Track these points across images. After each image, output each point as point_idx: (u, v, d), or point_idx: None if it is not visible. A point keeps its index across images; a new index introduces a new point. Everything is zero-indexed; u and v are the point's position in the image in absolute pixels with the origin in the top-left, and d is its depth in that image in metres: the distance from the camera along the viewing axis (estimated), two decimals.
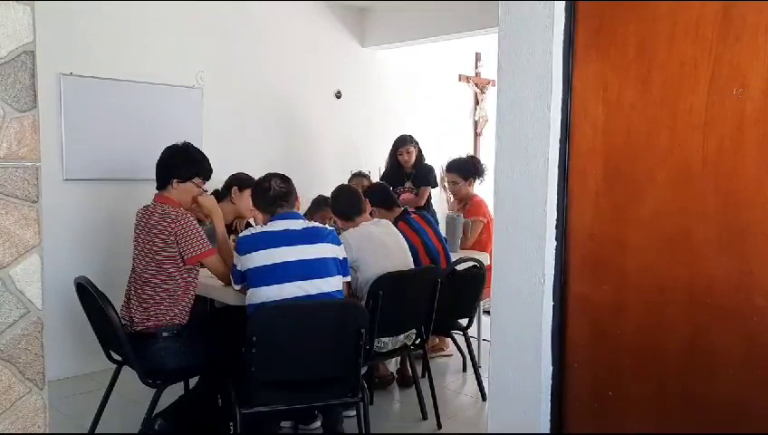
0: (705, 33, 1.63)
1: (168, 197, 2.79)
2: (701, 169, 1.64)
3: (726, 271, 1.61)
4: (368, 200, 3.30)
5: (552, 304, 1.93)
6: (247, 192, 3.47)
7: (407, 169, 4.86)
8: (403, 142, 4.86)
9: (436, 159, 5.30)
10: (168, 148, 2.88)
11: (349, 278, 2.77)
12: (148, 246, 2.69)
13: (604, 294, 1.83)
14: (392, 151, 4.92)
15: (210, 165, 2.94)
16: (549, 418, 1.95)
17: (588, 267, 1.87)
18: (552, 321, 1.93)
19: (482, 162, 4.51)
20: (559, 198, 1.90)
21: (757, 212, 1.57)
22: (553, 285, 1.92)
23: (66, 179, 3.84)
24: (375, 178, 4.92)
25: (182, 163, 2.84)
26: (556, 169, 1.90)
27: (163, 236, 2.65)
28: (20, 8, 1.02)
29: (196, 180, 2.86)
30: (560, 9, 1.85)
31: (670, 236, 1.69)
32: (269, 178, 2.77)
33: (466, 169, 4.35)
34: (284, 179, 2.77)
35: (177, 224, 2.66)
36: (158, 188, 2.84)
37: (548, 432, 1.94)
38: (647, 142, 1.73)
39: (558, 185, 1.90)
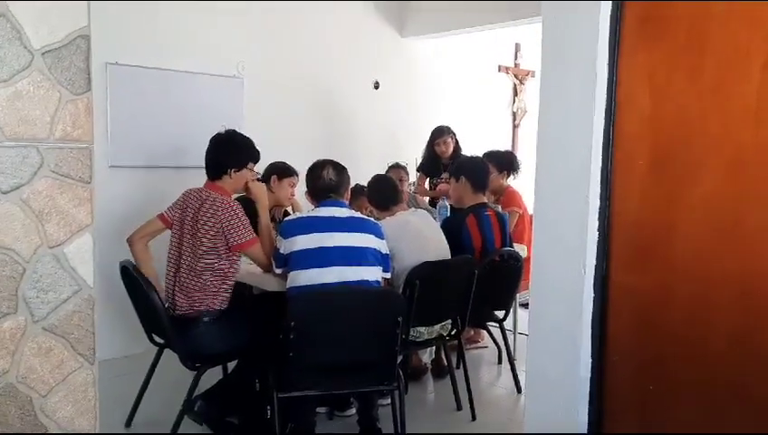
0: (762, 14, 1.57)
1: (220, 186, 2.84)
2: (754, 157, 1.59)
3: None
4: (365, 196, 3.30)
5: (593, 295, 1.90)
6: (286, 181, 3.52)
7: (444, 159, 4.84)
8: (440, 133, 4.84)
9: (474, 151, 5.25)
10: (215, 138, 2.92)
11: (389, 274, 2.77)
12: (194, 232, 2.75)
13: (649, 284, 1.79)
14: (429, 142, 4.90)
15: (257, 149, 2.98)
16: (587, 412, 1.92)
17: (632, 257, 1.83)
18: (593, 313, 1.90)
19: (518, 158, 4.46)
20: (602, 187, 1.87)
21: None
22: (594, 276, 1.89)
23: (111, 166, 3.93)
24: (412, 170, 4.91)
25: (235, 152, 2.89)
26: (600, 156, 1.86)
27: (210, 224, 2.71)
28: None
29: (250, 165, 2.92)
30: None
31: (722, 222, 1.64)
32: (324, 165, 2.80)
33: (502, 161, 4.32)
34: (338, 170, 2.80)
35: (225, 212, 2.71)
36: (211, 178, 2.88)
37: (586, 427, 1.91)
38: (697, 129, 1.68)
39: (601, 173, 1.87)
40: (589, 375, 1.92)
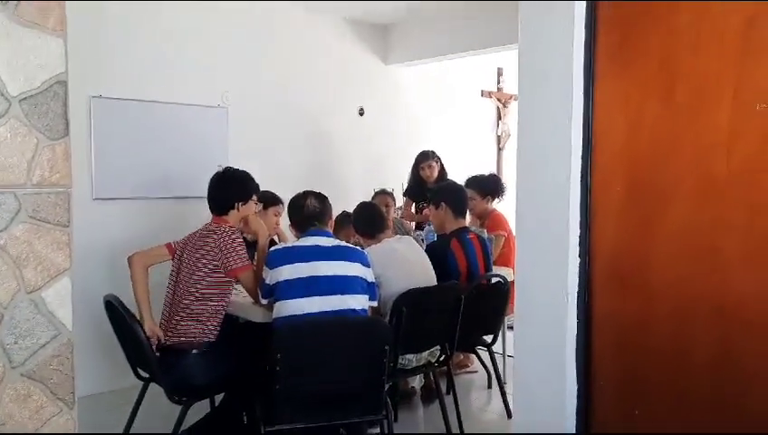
0: (729, 46, 1.62)
1: (224, 219, 2.89)
2: (726, 184, 1.62)
3: (755, 285, 1.58)
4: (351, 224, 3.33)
5: (577, 320, 1.92)
6: (271, 210, 3.54)
7: (429, 184, 4.86)
8: (425, 158, 4.87)
9: (459, 175, 5.29)
10: (217, 176, 2.99)
11: (375, 303, 2.77)
12: (192, 261, 2.78)
13: (630, 310, 1.81)
14: (414, 167, 4.93)
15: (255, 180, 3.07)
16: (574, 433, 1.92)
17: (613, 283, 1.85)
18: (577, 338, 1.92)
19: (502, 181, 4.49)
20: (582, 214, 1.89)
21: None
22: (577, 302, 1.91)
23: (96, 199, 3.92)
24: (398, 195, 4.93)
25: (240, 186, 2.97)
26: (578, 183, 1.89)
27: (208, 251, 2.76)
28: (53, 40, 1.06)
29: (254, 198, 3.02)
30: (580, 23, 1.85)
31: (697, 249, 1.67)
32: (306, 195, 2.86)
33: (485, 186, 4.34)
34: (320, 199, 2.85)
35: (222, 237, 2.77)
36: (216, 214, 2.93)
37: None
38: (671, 156, 1.72)
39: (580, 200, 1.90)
40: (575, 401, 1.93)
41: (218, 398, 3.07)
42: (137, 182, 4.05)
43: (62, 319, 1.11)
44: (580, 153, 1.88)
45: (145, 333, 2.70)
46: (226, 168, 3.04)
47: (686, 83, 1.68)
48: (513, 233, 4.24)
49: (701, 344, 1.65)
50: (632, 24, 1.76)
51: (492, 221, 4.25)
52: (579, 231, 1.90)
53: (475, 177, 4.43)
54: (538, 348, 1.98)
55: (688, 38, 1.67)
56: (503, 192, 4.35)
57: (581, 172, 1.88)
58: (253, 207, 3.01)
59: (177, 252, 2.87)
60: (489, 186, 4.36)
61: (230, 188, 2.94)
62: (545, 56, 1.90)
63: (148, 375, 2.89)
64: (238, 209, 2.92)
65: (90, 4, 3.73)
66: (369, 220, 3.21)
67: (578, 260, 1.91)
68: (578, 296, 1.90)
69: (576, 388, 1.93)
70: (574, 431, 1.93)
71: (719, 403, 1.64)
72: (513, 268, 3.93)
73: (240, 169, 3.07)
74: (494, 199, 4.37)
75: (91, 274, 3.82)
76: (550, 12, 1.88)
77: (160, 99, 4.13)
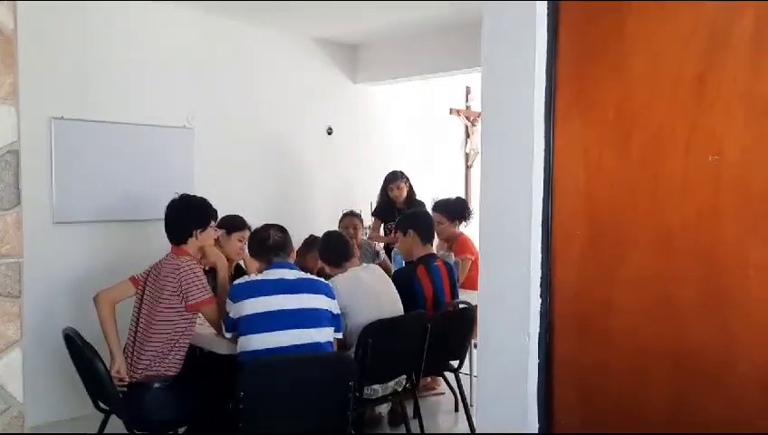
0: (682, 98, 1.65)
1: (184, 249, 2.85)
2: (681, 233, 1.66)
3: (709, 335, 1.62)
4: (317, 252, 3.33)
5: (538, 362, 1.94)
6: (235, 235, 3.50)
7: (398, 204, 4.88)
8: (393, 178, 4.89)
9: (428, 194, 5.33)
10: (172, 204, 2.94)
11: (341, 335, 2.78)
12: (153, 295, 2.74)
13: (589, 354, 1.83)
14: (383, 187, 4.95)
15: (213, 206, 3.03)
16: None
17: (573, 327, 1.88)
18: (539, 379, 1.93)
19: (469, 205, 4.53)
20: (543, 258, 1.91)
21: (737, 277, 1.58)
22: (539, 344, 1.92)
23: (56, 222, 3.84)
24: (367, 215, 4.94)
25: (196, 213, 2.92)
26: (539, 228, 1.91)
27: (169, 285, 2.71)
28: (5, 109, 1.04)
29: (212, 223, 2.96)
30: (540, 70, 1.88)
31: (653, 298, 1.70)
32: (267, 228, 2.86)
33: (453, 210, 4.38)
34: (282, 230, 2.86)
35: (183, 271, 2.73)
36: (174, 244, 2.86)
37: None
38: (627, 205, 1.75)
39: (542, 244, 1.92)
40: None
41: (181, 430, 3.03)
42: (99, 205, 3.98)
43: (12, 392, 1.08)
44: (542, 198, 1.90)
45: (106, 368, 2.65)
46: (182, 194, 2.98)
47: (641, 134, 1.71)
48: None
49: (658, 392, 1.69)
50: (591, 73, 1.80)
51: (459, 245, 4.28)
52: (540, 274, 1.92)
53: (443, 200, 4.47)
54: (500, 388, 1.99)
55: (643, 90, 1.71)
56: (470, 215, 4.39)
57: (542, 217, 1.90)
58: (212, 233, 2.95)
59: (140, 285, 2.83)
60: (456, 210, 4.40)
61: (187, 216, 2.89)
62: (507, 103, 1.93)
63: (108, 408, 2.84)
64: (197, 237, 2.86)
65: (52, 23, 3.67)
66: (336, 250, 3.21)
67: (539, 301, 1.93)
68: (539, 339, 1.92)
69: (537, 427, 1.94)
70: None
71: None
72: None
73: (197, 195, 3.01)
74: (461, 223, 4.41)
75: (51, 298, 3.74)
76: (511, 62, 1.91)
77: (123, 120, 4.08)
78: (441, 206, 4.35)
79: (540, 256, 1.92)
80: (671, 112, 1.67)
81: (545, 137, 1.90)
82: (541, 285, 1.93)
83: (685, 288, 1.64)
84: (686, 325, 1.63)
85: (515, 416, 1.95)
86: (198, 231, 2.87)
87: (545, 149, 1.90)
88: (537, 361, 1.92)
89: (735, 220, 1.59)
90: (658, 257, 1.68)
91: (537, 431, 1.92)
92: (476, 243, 4.39)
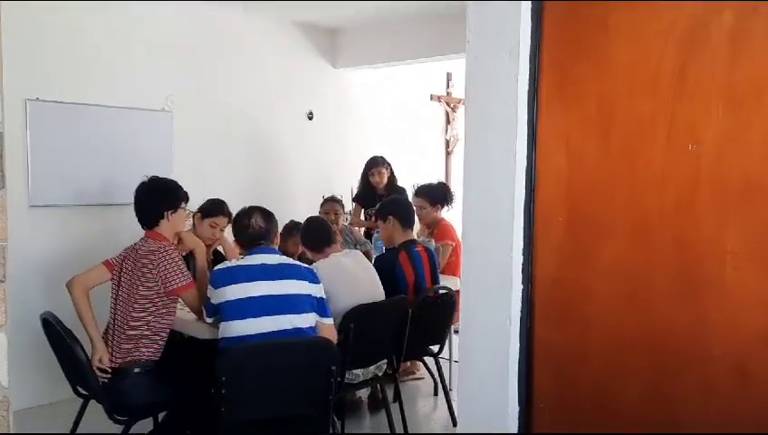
0: (662, 90, 1.69)
1: (158, 232, 2.81)
2: (659, 222, 1.70)
3: (684, 321, 1.66)
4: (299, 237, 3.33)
5: (519, 345, 1.97)
6: (207, 220, 3.49)
7: (379, 190, 4.89)
8: (374, 164, 4.90)
9: (409, 180, 5.34)
10: (141, 187, 2.89)
11: (331, 321, 2.75)
12: (131, 281, 2.71)
13: (568, 340, 1.87)
14: (364, 173, 4.95)
15: (183, 188, 2.99)
16: None
17: (553, 312, 1.91)
18: (519, 362, 1.97)
19: (451, 190, 4.57)
20: (525, 244, 1.94)
21: (713, 265, 1.62)
22: (520, 329, 1.96)
23: (32, 206, 3.78)
24: (348, 201, 4.94)
25: (166, 195, 2.89)
26: (521, 215, 1.94)
27: (148, 270, 2.68)
28: None
29: (183, 205, 2.91)
30: (524, 61, 1.90)
31: (631, 284, 1.74)
32: (250, 213, 2.80)
33: (435, 194, 4.40)
34: (266, 216, 2.81)
35: (161, 256, 2.70)
36: (147, 227, 2.84)
37: None
38: (607, 194, 1.78)
39: (524, 231, 1.95)
40: (516, 422, 1.99)
41: (161, 415, 3.03)
42: (76, 189, 3.93)
43: None
44: (524, 186, 1.92)
45: (85, 353, 2.63)
46: (152, 177, 2.94)
47: (622, 124, 1.74)
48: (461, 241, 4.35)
49: (634, 376, 1.73)
50: (572, 66, 1.82)
51: (440, 230, 4.32)
52: (522, 260, 1.96)
53: (425, 185, 4.49)
54: (481, 370, 2.03)
55: (624, 81, 1.73)
56: (452, 200, 4.42)
57: (525, 204, 1.92)
58: (183, 215, 2.92)
59: (116, 269, 2.80)
60: (438, 194, 4.43)
61: (157, 198, 2.86)
62: (491, 93, 1.94)
63: (87, 393, 2.82)
64: (168, 219, 2.83)
65: (29, 3, 3.58)
66: (318, 235, 3.22)
67: (521, 287, 1.97)
68: (521, 323, 1.95)
69: (518, 410, 1.99)
70: None
71: (651, 430, 1.72)
72: (460, 277, 4.04)
73: (166, 177, 2.98)
74: (443, 208, 4.44)
75: (28, 283, 3.69)
76: (496, 51, 1.93)
77: (101, 102, 4.01)
78: (423, 190, 4.38)
79: (522, 242, 1.95)
80: (652, 104, 1.70)
81: (528, 126, 1.93)
82: (523, 271, 1.96)
83: (661, 276, 1.68)
84: (662, 312, 1.68)
85: (496, 399, 1.99)
86: (169, 213, 2.84)
87: (528, 138, 1.93)
88: (518, 344, 1.96)
89: (712, 209, 1.63)
90: (636, 245, 1.72)
91: (517, 413, 1.96)
92: (458, 229, 4.44)
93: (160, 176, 2.98)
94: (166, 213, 2.83)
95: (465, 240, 2.10)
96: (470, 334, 2.09)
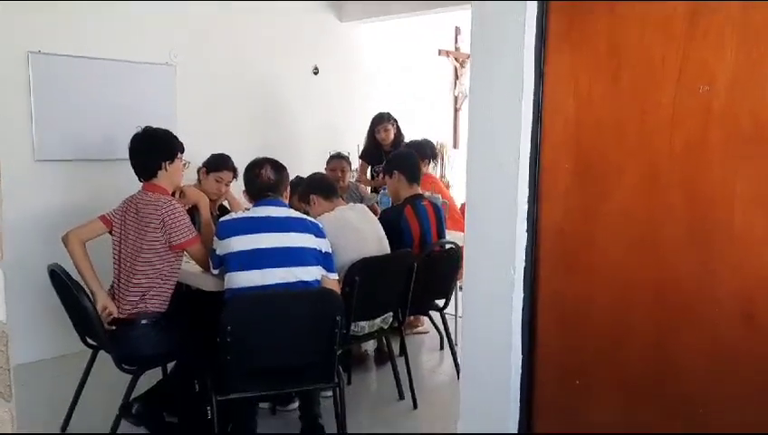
0: (674, 30, 1.63)
1: (156, 184, 2.79)
2: (668, 167, 1.66)
3: (691, 267, 1.64)
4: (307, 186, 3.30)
5: (523, 295, 1.96)
6: (213, 175, 3.47)
7: (385, 147, 4.83)
8: (380, 120, 4.83)
9: (416, 136, 5.28)
10: (136, 139, 2.85)
11: (336, 276, 2.74)
12: (136, 235, 2.71)
13: (574, 289, 1.86)
14: (370, 130, 4.89)
15: (178, 138, 2.95)
16: (518, 406, 1.99)
17: (558, 262, 1.90)
18: (522, 313, 1.97)
19: (434, 145, 4.54)
20: (530, 193, 1.91)
21: (721, 212, 1.59)
22: (524, 279, 1.95)
23: (38, 160, 3.77)
24: (354, 158, 4.89)
25: (162, 145, 2.85)
26: (527, 163, 1.91)
27: (150, 223, 2.67)
28: None
29: (180, 156, 2.88)
30: (531, 3, 1.84)
31: (637, 233, 1.72)
32: (262, 164, 2.76)
33: (423, 150, 4.39)
34: (277, 168, 2.76)
35: (166, 211, 2.68)
36: (145, 179, 2.82)
37: (517, 420, 1.98)
38: (615, 138, 1.74)
39: (529, 179, 1.92)
40: (519, 371, 1.99)
41: (171, 365, 3.07)
42: (80, 143, 3.90)
43: None
44: (530, 130, 1.88)
45: (93, 304, 2.65)
46: (145, 127, 2.89)
47: (632, 66, 1.69)
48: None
49: (639, 324, 1.72)
50: (581, 8, 1.76)
51: (426, 184, 4.29)
52: (527, 208, 1.93)
53: (413, 142, 4.53)
54: (485, 321, 2.03)
55: (635, 23, 1.68)
56: (436, 156, 4.39)
57: (531, 151, 1.89)
58: (180, 166, 2.88)
59: (116, 223, 2.79)
60: (426, 150, 4.45)
61: (152, 149, 2.81)
62: (497, 34, 1.89)
63: (96, 344, 2.85)
64: (166, 170, 2.80)
65: None
66: (324, 183, 3.22)
67: (525, 236, 1.95)
68: (525, 273, 1.94)
69: (521, 358, 1.99)
70: (518, 400, 1.99)
71: (654, 379, 1.71)
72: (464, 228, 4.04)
73: (160, 128, 2.93)
74: (429, 163, 4.48)
75: (32, 237, 3.70)
76: None
77: (104, 55, 3.95)
78: (413, 147, 4.36)
79: (527, 190, 1.92)
80: (663, 44, 1.65)
81: (535, 70, 1.88)
82: (527, 220, 1.94)
83: (669, 222, 1.66)
84: (670, 258, 1.66)
85: (499, 348, 1.99)
86: (167, 163, 2.80)
87: (535, 82, 1.88)
88: (522, 294, 1.95)
89: (722, 154, 1.59)
90: (644, 191, 1.69)
91: (520, 363, 1.97)
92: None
93: (154, 127, 2.93)
94: (163, 163, 2.80)
95: (469, 190, 2.08)
96: (474, 285, 2.08)
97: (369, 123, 4.91)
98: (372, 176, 5.00)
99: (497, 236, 1.97)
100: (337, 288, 2.70)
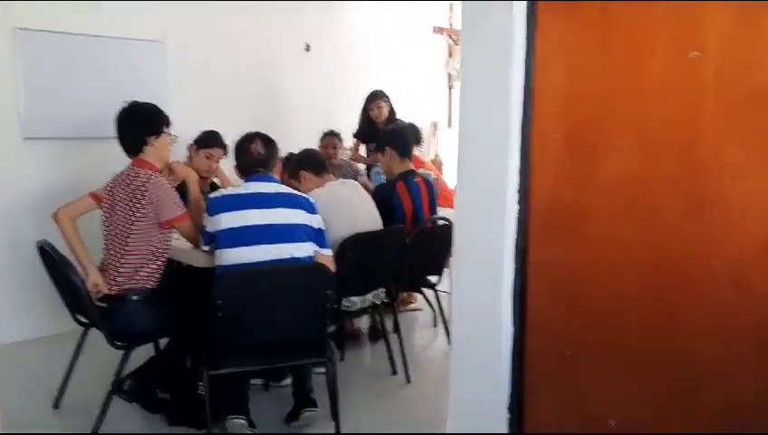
0: None
1: (144, 160, 2.77)
2: (661, 135, 1.64)
3: (684, 237, 1.63)
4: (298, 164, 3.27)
5: (514, 266, 1.95)
6: (203, 152, 3.46)
7: (379, 124, 4.80)
8: (374, 98, 4.80)
9: (410, 114, 5.25)
10: (121, 114, 2.82)
11: (329, 251, 2.73)
12: (125, 211, 2.69)
13: (565, 260, 1.84)
14: (364, 108, 4.86)
15: (164, 112, 2.91)
16: (509, 376, 1.99)
17: (550, 232, 1.88)
18: (514, 283, 1.95)
19: (419, 129, 4.45)
20: (521, 164, 1.89)
21: (715, 179, 1.58)
22: (516, 249, 1.93)
23: (26, 138, 3.73)
24: (347, 138, 4.86)
25: (148, 119, 2.83)
26: (518, 132, 1.88)
27: (139, 200, 2.66)
28: None
29: (166, 130, 2.85)
30: None
31: (629, 202, 1.70)
32: (252, 138, 2.74)
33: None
34: (267, 143, 2.74)
35: (154, 187, 2.67)
36: (132, 155, 2.79)
37: (507, 392, 1.98)
38: (607, 106, 1.72)
39: (520, 149, 1.89)
40: (510, 343, 1.99)
41: (164, 341, 3.06)
42: (69, 121, 3.87)
43: None
44: (522, 100, 1.86)
45: (82, 280, 2.63)
46: (131, 102, 2.87)
47: (622, 32, 1.66)
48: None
49: (633, 294, 1.71)
50: None
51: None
52: (518, 179, 1.91)
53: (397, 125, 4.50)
54: (475, 291, 2.01)
55: None
56: (420, 141, 4.31)
57: (522, 120, 1.86)
58: (168, 141, 2.85)
59: (106, 199, 2.76)
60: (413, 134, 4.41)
61: (138, 124, 2.79)
62: (486, 7, 1.86)
63: (87, 321, 2.85)
64: (153, 145, 2.78)
65: None
66: (318, 158, 3.20)
67: (517, 207, 1.93)
68: (516, 243, 1.92)
69: (512, 331, 1.98)
70: (509, 371, 1.99)
71: (647, 350, 1.70)
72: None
73: (147, 102, 2.89)
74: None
75: (22, 216, 3.68)
76: None
77: (94, 32, 3.90)
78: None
79: (518, 161, 1.90)
80: (654, 9, 1.62)
81: (526, 38, 1.85)
82: (519, 191, 1.92)
83: (662, 190, 1.64)
84: (662, 228, 1.64)
85: (490, 320, 1.98)
86: (153, 138, 2.77)
87: (526, 50, 1.85)
88: (513, 266, 1.94)
89: (715, 121, 1.57)
90: (637, 160, 1.67)
91: (511, 334, 1.96)
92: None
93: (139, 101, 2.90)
94: (149, 138, 2.77)
95: (460, 161, 2.05)
96: (464, 257, 2.07)
97: (361, 101, 4.87)
98: (367, 154, 4.97)
99: (487, 206, 1.95)
100: (331, 264, 2.69)
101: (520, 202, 1.92)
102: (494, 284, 1.94)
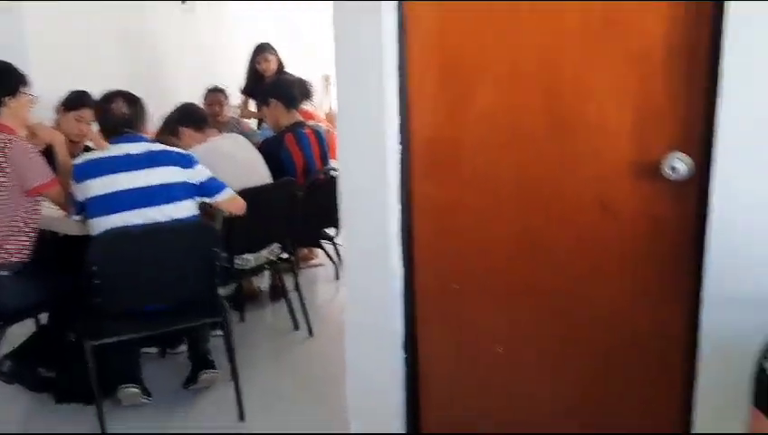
0: None
1: (1, 123, 2.50)
2: (526, 67, 1.68)
3: (551, 163, 1.69)
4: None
5: (400, 206, 1.96)
6: (72, 114, 3.19)
7: (267, 78, 4.65)
8: (261, 50, 4.64)
9: (300, 67, 5.11)
10: None
11: (227, 193, 2.61)
12: None
13: (446, 194, 1.87)
14: (250, 61, 4.69)
15: (20, 71, 2.66)
16: (401, 314, 2.01)
17: (431, 168, 1.90)
18: (401, 223, 1.96)
19: (307, 83, 4.35)
20: (400, 103, 1.88)
21: (578, 104, 1.64)
22: (400, 187, 1.94)
23: None
24: (235, 93, 4.68)
25: (1, 78, 2.55)
26: (395, 71, 1.86)
27: (4, 167, 2.41)
28: None
29: (23, 89, 2.60)
30: None
31: (500, 132, 1.74)
32: (112, 98, 2.55)
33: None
34: (130, 102, 2.55)
35: (17, 152, 2.45)
36: None
37: (401, 331, 2.01)
38: (476, 41, 1.73)
39: (398, 88, 1.88)
40: (400, 282, 2.00)
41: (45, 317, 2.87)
42: None
43: None
44: (396, 39, 1.83)
45: None
46: None
47: None
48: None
49: (508, 222, 1.76)
50: None
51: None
52: (399, 119, 1.90)
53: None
54: (363, 233, 2.01)
55: None
56: (309, 95, 4.22)
57: (398, 59, 1.84)
58: (26, 101, 2.62)
59: None
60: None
61: None
62: None
63: None
64: (8, 106, 2.55)
65: None
66: (195, 113, 3.04)
67: (399, 147, 1.92)
68: (400, 182, 1.92)
69: (402, 269, 2.00)
70: (401, 310, 2.01)
71: (525, 276, 1.77)
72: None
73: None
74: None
75: None
76: None
77: None
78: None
79: (396, 100, 1.89)
80: None
81: None
82: (400, 132, 1.91)
83: (528, 121, 1.69)
84: (531, 156, 1.70)
85: (378, 259, 1.99)
86: (7, 99, 2.54)
87: None
88: (399, 205, 1.94)
89: (578, 45, 1.62)
90: (505, 90, 1.70)
91: (401, 274, 1.97)
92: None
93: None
94: (3, 99, 2.53)
95: (340, 106, 2.01)
96: (350, 201, 2.05)
97: (248, 57, 4.69)
98: (257, 109, 4.81)
99: (368, 149, 1.93)
100: (237, 203, 2.61)
101: (403, 142, 1.92)
102: (381, 225, 1.94)
